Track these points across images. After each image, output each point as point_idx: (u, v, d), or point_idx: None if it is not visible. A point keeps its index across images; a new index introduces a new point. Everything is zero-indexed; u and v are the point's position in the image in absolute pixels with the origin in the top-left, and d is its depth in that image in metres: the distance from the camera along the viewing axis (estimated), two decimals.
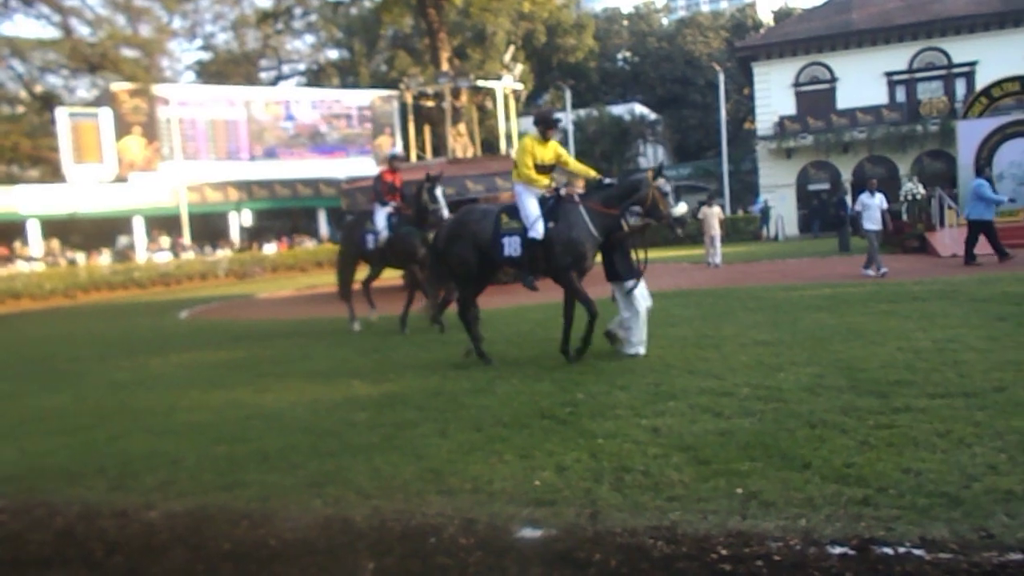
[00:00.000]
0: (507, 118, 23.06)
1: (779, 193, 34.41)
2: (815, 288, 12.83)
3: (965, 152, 21.42)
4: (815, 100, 33.63)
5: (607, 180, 7.82)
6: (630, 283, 7.69)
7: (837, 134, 32.80)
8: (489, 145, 31.72)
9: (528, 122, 42.86)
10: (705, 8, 73.25)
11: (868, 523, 3.59)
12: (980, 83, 27.70)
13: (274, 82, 49.81)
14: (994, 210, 14.88)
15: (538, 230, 7.55)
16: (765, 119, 34.62)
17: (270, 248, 38.31)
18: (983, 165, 20.25)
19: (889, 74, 33.38)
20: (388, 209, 11.48)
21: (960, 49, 32.17)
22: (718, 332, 8.75)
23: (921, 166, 32.09)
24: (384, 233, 11.34)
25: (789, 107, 34.10)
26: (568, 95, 39.13)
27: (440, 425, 5.81)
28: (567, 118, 36.99)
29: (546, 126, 7.78)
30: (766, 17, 54.41)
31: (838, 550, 3.41)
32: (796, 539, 3.52)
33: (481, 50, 44.24)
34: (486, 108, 29.71)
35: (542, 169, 7.76)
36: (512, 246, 7.68)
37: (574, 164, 8.05)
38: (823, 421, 5.12)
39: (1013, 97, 22.59)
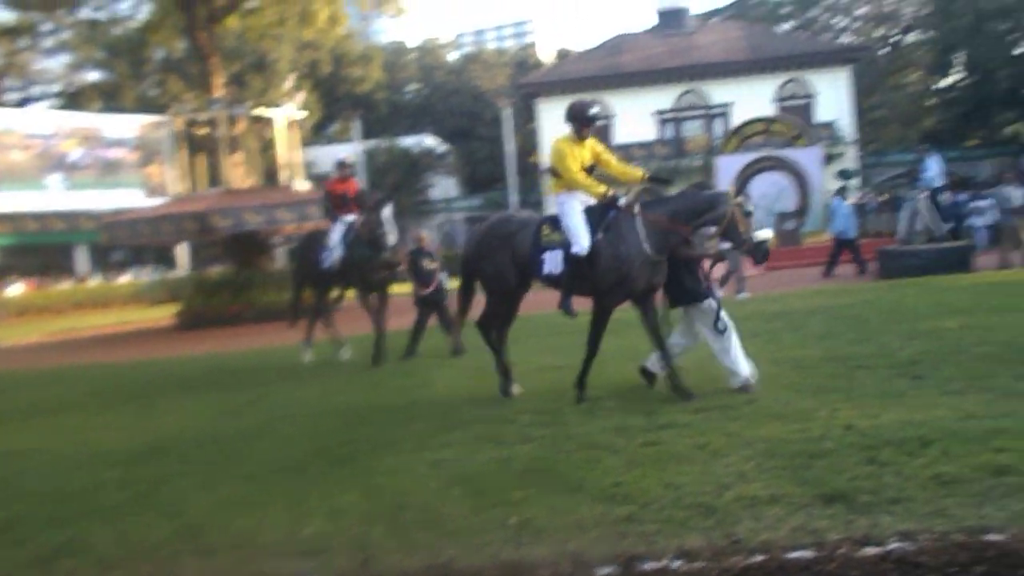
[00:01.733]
0: (289, 147, 22.40)
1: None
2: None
3: (723, 184, 23.66)
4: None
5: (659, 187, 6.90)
6: (709, 303, 6.60)
7: None
8: (271, 175, 30.60)
9: (320, 152, 41.49)
10: (490, 45, 76.09)
11: (632, 540, 3.75)
12: (734, 122, 30.88)
13: (21, 104, 45.07)
14: (856, 228, 17.34)
15: (582, 244, 6.43)
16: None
17: (15, 289, 34.32)
18: (842, 187, 22.57)
19: (658, 112, 36.33)
20: (343, 226, 10.27)
21: (717, 91, 35.71)
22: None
23: None
24: (338, 251, 10.15)
25: None
26: (358, 126, 38.75)
27: (204, 477, 5.40)
28: (356, 149, 36.66)
29: (581, 123, 6.72)
30: (547, 57, 57.48)
31: (604, 570, 3.52)
32: (566, 563, 3.60)
33: (262, 77, 42.88)
34: (268, 137, 28.72)
35: (588, 171, 6.73)
36: (553, 262, 6.63)
37: (616, 165, 6.89)
38: (596, 442, 5.33)
39: (760, 135, 25.36)
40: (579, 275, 6.52)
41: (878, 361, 7.07)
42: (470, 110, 52.39)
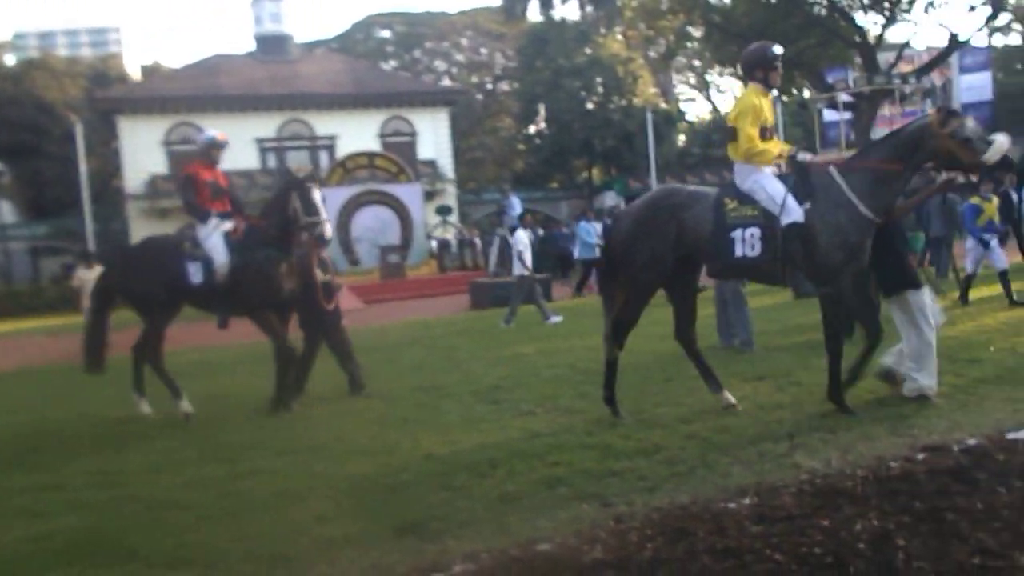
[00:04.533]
0: None
1: None
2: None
3: (329, 216, 23.98)
4: (187, 160, 33.84)
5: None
6: (922, 295, 5.80)
7: None
8: None
9: None
10: (61, 52, 68.24)
11: None
12: (340, 154, 31.48)
13: None
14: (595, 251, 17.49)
15: (796, 211, 5.50)
16: (135, 176, 33.58)
17: None
18: (584, 209, 22.94)
19: (259, 140, 35.61)
20: (226, 224, 7.56)
21: (322, 123, 36.11)
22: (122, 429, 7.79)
23: None
24: (222, 259, 7.36)
25: (161, 165, 33.72)
26: None
27: None
28: None
29: (768, 68, 5.78)
30: (134, 70, 53.22)
31: None
32: None
33: None
34: None
35: (765, 134, 5.76)
36: (749, 242, 5.60)
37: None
38: (163, 501, 4.90)
39: (365, 169, 26.22)
40: (791, 254, 5.58)
41: (463, 388, 7.61)
42: (34, 123, 46.21)
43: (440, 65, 49.42)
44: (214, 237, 7.42)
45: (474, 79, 48.42)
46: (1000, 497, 3.70)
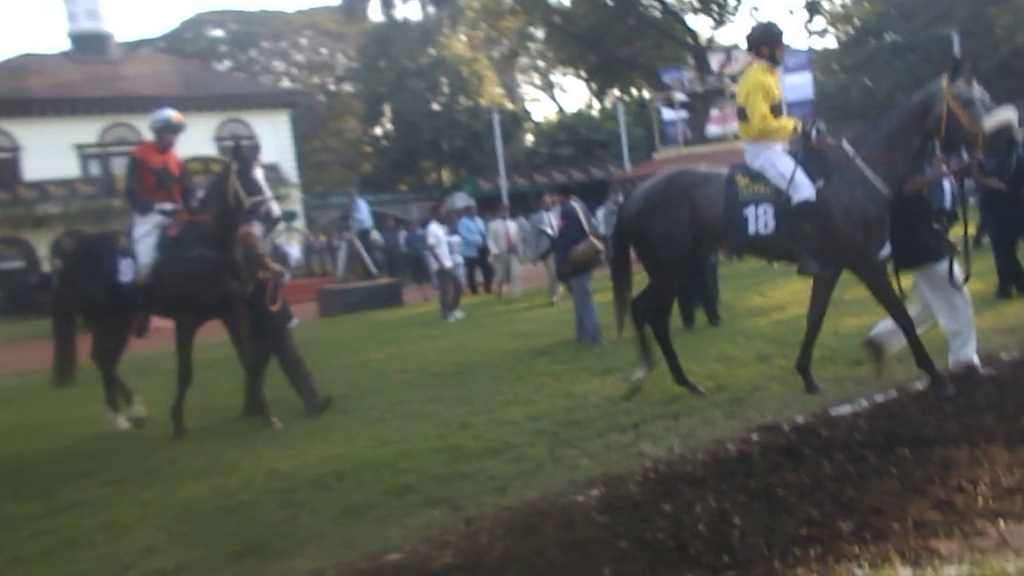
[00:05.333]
0: None
1: None
2: None
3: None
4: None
5: None
6: (945, 266, 5.43)
7: (28, 207, 31.16)
8: None
9: None
10: None
11: None
12: None
13: None
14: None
15: (807, 188, 5.36)
16: None
17: None
18: (469, 207, 21.77)
19: (80, 147, 33.33)
20: (160, 217, 6.77)
21: None
22: None
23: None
24: (147, 258, 6.60)
25: None
26: None
27: None
28: None
29: (775, 44, 5.74)
30: None
31: None
32: None
33: None
34: None
35: (776, 111, 5.68)
36: (762, 219, 5.50)
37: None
38: None
39: (199, 175, 25.00)
40: (804, 231, 5.44)
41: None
42: None
43: (279, 65, 47.99)
44: (147, 233, 6.74)
45: (315, 80, 47.35)
46: (824, 470, 3.95)
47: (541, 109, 54.31)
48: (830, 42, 41.58)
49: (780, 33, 5.78)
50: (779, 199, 5.48)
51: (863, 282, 5.52)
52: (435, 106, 41.95)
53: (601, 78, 38.32)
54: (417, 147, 42.29)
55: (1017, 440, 3.97)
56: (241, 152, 6.85)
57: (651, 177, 6.31)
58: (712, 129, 32.68)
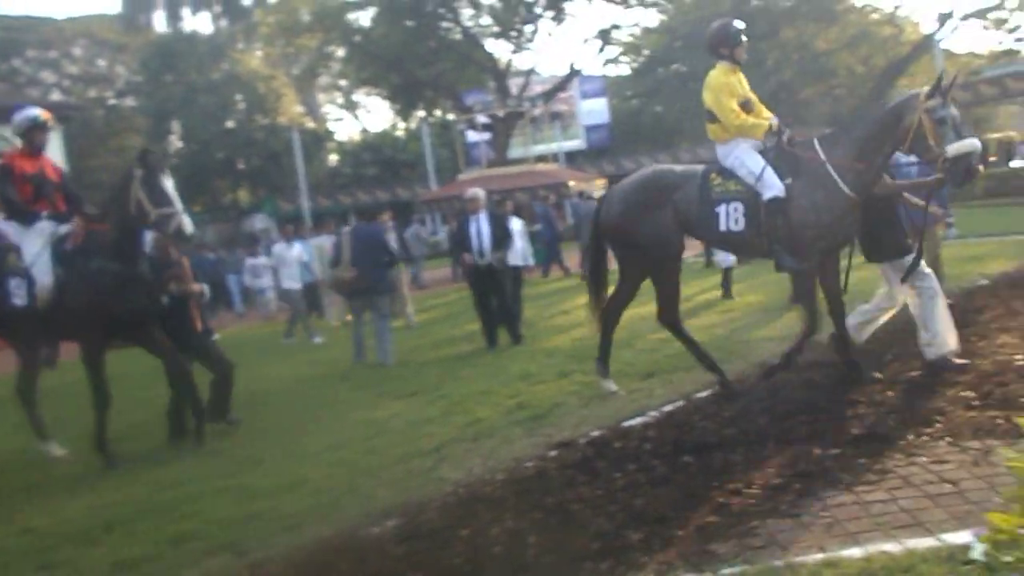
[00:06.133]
0: None
1: None
2: None
3: None
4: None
5: None
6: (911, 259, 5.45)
7: None
8: None
9: None
10: None
11: None
12: None
13: None
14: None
15: (775, 184, 5.50)
16: None
17: None
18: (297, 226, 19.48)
19: None
20: (51, 228, 5.98)
21: None
22: None
23: None
24: (47, 276, 5.80)
25: None
26: None
27: None
28: None
29: (733, 44, 5.85)
30: None
31: None
32: None
33: None
34: None
35: (746, 107, 5.82)
36: (732, 216, 5.66)
37: (757, 107, 5.91)
38: None
39: None
40: (774, 227, 5.51)
41: (80, 443, 6.68)
42: None
43: (48, 77, 44.28)
44: (39, 246, 5.89)
45: (92, 93, 44.09)
46: (616, 482, 4.07)
47: (345, 128, 53.43)
48: (624, 69, 44.05)
49: (737, 32, 5.86)
50: (751, 197, 5.57)
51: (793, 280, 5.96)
52: (229, 123, 40.30)
53: (404, 99, 38.36)
54: (210, 166, 40.40)
55: (785, 441, 4.28)
56: (147, 157, 6.07)
57: (621, 182, 6.41)
58: (516, 151, 33.62)
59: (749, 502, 3.58)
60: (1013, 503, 1.82)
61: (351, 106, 50.74)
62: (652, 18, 38.78)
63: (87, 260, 5.89)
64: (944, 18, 32.47)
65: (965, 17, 31.67)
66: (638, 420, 5.25)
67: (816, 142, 5.60)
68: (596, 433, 5.10)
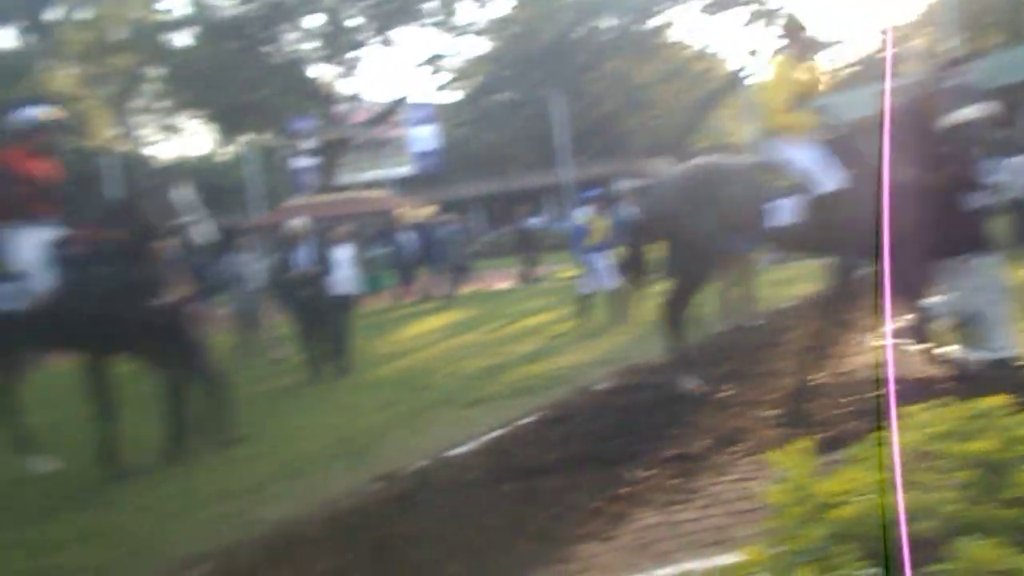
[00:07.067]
0: None
1: None
2: None
3: None
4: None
5: None
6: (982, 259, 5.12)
7: None
8: None
9: None
10: None
11: None
12: None
13: None
14: None
15: (832, 180, 5.16)
16: None
17: None
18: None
19: None
20: (48, 232, 5.48)
21: None
22: None
23: None
24: (43, 281, 5.30)
25: None
26: None
27: None
28: None
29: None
30: None
31: None
32: None
33: None
34: None
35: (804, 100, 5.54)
36: (784, 212, 5.27)
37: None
38: None
39: None
40: (825, 223, 5.16)
41: None
42: None
43: None
44: (34, 250, 5.47)
45: None
46: (437, 513, 3.98)
47: (164, 152, 50.48)
48: (458, 95, 44.42)
49: (799, 23, 5.70)
50: (802, 192, 5.27)
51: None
52: None
53: (226, 123, 36.91)
54: None
55: (604, 464, 4.35)
56: (168, 168, 5.42)
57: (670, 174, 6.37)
58: (347, 175, 33.13)
59: (567, 527, 3.59)
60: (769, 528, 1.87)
61: (170, 129, 48.10)
62: (482, 46, 39.45)
63: (94, 265, 5.55)
64: (753, 53, 35.06)
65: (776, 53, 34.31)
66: (460, 449, 5.19)
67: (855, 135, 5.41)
68: (421, 463, 4.98)
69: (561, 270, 16.98)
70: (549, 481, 4.21)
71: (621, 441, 4.72)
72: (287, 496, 4.79)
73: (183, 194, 5.75)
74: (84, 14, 34.31)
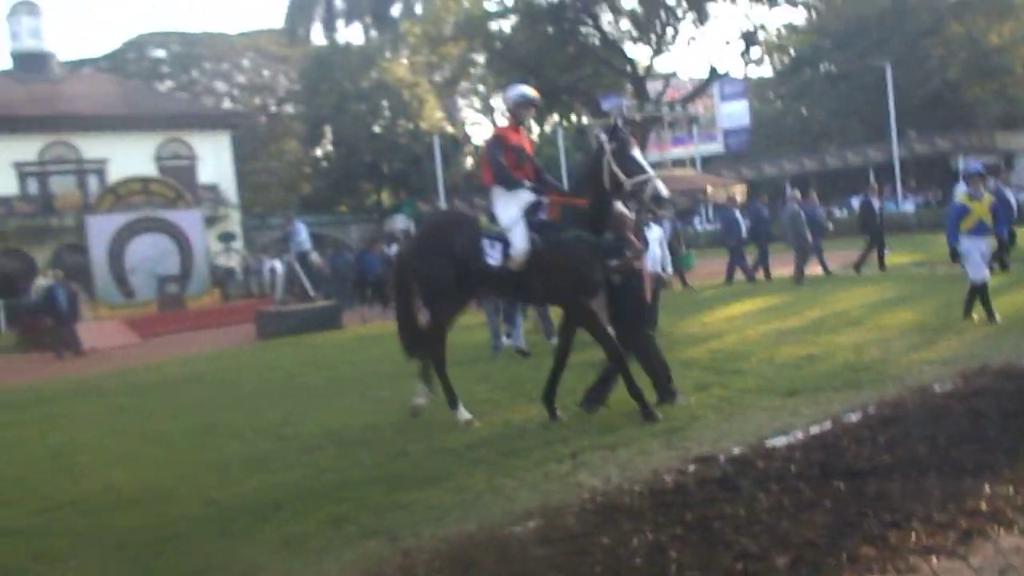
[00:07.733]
0: None
1: None
2: None
3: (97, 245, 22.08)
4: None
5: None
6: None
7: None
8: None
9: None
10: None
11: None
12: (111, 179, 29.09)
13: None
14: None
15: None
16: None
17: None
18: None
19: (19, 164, 32.25)
20: (526, 197, 6.48)
21: (90, 145, 33.20)
22: None
23: (60, 260, 31.71)
24: (523, 242, 6.25)
25: None
26: None
27: None
28: None
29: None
30: None
31: None
32: None
33: None
34: None
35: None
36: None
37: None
38: None
39: (139, 195, 24.34)
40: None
41: (246, 426, 7.15)
42: None
43: (220, 86, 47.24)
44: (517, 214, 6.26)
45: (257, 101, 46.72)
46: (760, 502, 3.95)
47: (482, 132, 54.25)
48: (767, 71, 42.56)
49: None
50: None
51: None
52: (376, 129, 41.77)
53: (541, 104, 38.60)
54: (357, 169, 42.01)
55: (949, 473, 4.03)
56: (617, 132, 6.21)
57: None
58: (652, 155, 33.20)
59: (909, 536, 3.38)
60: None
61: (488, 111, 51.49)
62: (799, 17, 37.16)
63: (562, 230, 6.11)
64: None
65: None
66: (782, 440, 5.07)
67: None
68: (737, 450, 4.96)
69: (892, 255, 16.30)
70: (883, 484, 3.98)
71: (970, 450, 4.34)
72: (605, 466, 5.00)
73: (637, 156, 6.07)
74: (420, 8, 37.58)
